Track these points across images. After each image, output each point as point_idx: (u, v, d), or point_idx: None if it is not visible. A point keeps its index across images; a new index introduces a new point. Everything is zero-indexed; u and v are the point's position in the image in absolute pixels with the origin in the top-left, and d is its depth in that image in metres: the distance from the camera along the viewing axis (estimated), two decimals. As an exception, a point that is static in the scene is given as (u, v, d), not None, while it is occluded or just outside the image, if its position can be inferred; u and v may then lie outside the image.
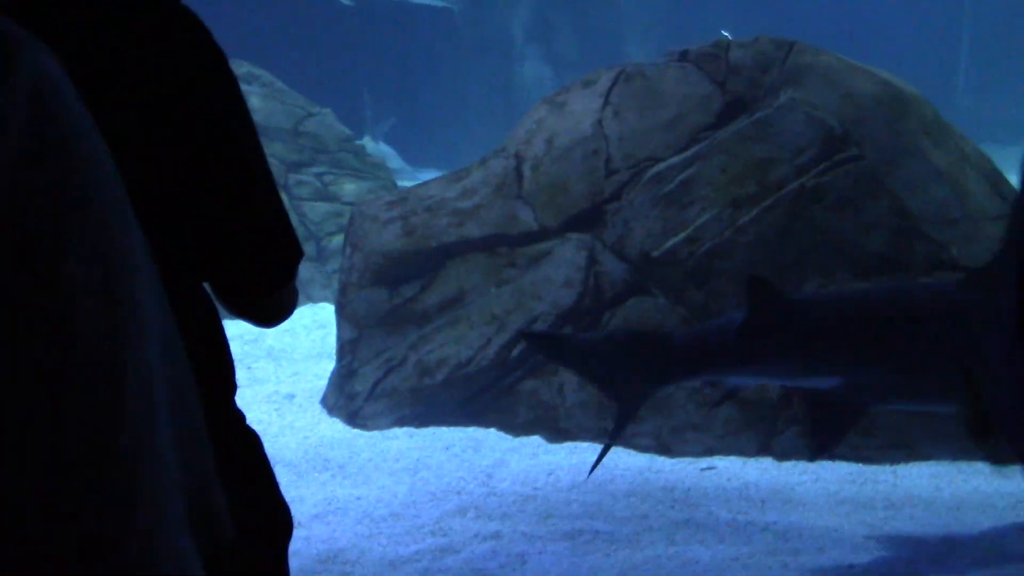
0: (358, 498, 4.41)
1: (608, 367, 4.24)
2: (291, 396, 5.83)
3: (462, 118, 15.40)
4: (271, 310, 1.45)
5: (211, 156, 1.32)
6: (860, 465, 4.87)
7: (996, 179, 5.44)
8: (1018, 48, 16.87)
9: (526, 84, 15.39)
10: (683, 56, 5.52)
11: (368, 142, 12.32)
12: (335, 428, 5.33)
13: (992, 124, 16.82)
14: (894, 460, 4.90)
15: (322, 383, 5.80)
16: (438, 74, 15.82)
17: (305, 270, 7.91)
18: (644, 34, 15.75)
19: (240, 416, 1.43)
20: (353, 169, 8.48)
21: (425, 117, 15.94)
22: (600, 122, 5.47)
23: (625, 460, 4.85)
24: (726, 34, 5.73)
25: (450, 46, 15.57)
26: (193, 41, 1.32)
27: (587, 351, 4.45)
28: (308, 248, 8.05)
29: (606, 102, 5.48)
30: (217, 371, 1.38)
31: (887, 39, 16.27)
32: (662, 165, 5.33)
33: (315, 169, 8.33)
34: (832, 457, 4.94)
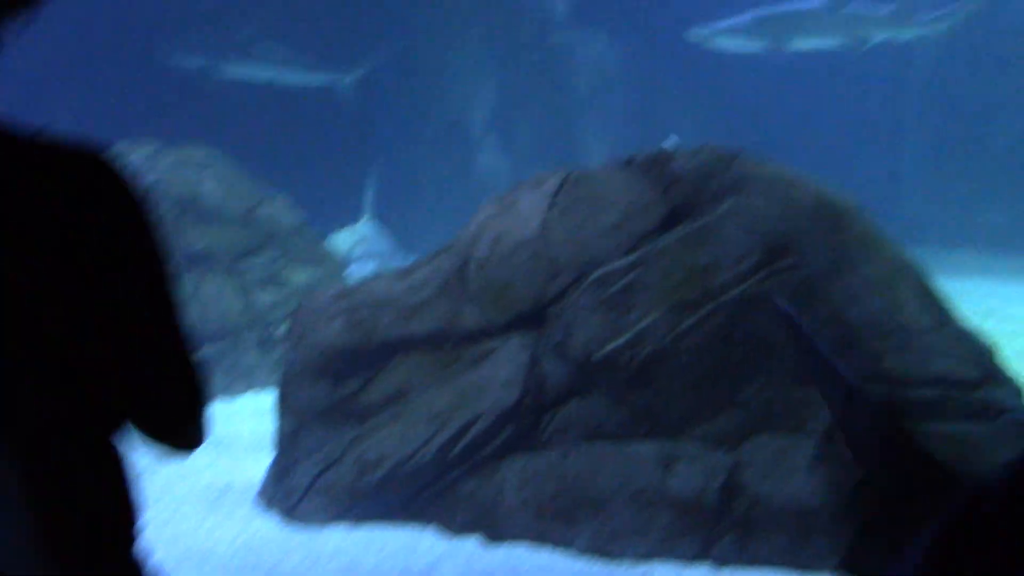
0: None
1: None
2: (228, 488, 5.74)
3: (419, 207, 15.53)
4: (176, 446, 1.46)
5: (109, 305, 1.34)
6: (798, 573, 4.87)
7: (927, 292, 5.58)
8: (958, 154, 17.43)
9: (483, 175, 15.58)
10: (629, 162, 5.65)
11: (364, 223, 12.41)
12: (270, 525, 5.25)
13: (935, 227, 17.30)
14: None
15: (260, 475, 5.73)
16: (396, 162, 15.99)
17: (250, 357, 7.87)
18: (601, 128, 16.08)
19: (136, 570, 1.42)
20: (304, 256, 8.50)
21: (381, 204, 16.06)
22: (546, 224, 5.56)
23: (562, 563, 4.82)
24: (672, 141, 5.88)
25: (409, 135, 15.79)
26: (99, 189, 1.34)
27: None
28: (255, 335, 8.02)
29: (552, 204, 5.58)
30: (113, 525, 1.38)
31: (834, 147, 16.77)
32: (606, 268, 5.41)
33: (265, 255, 8.34)
34: (769, 562, 4.95)
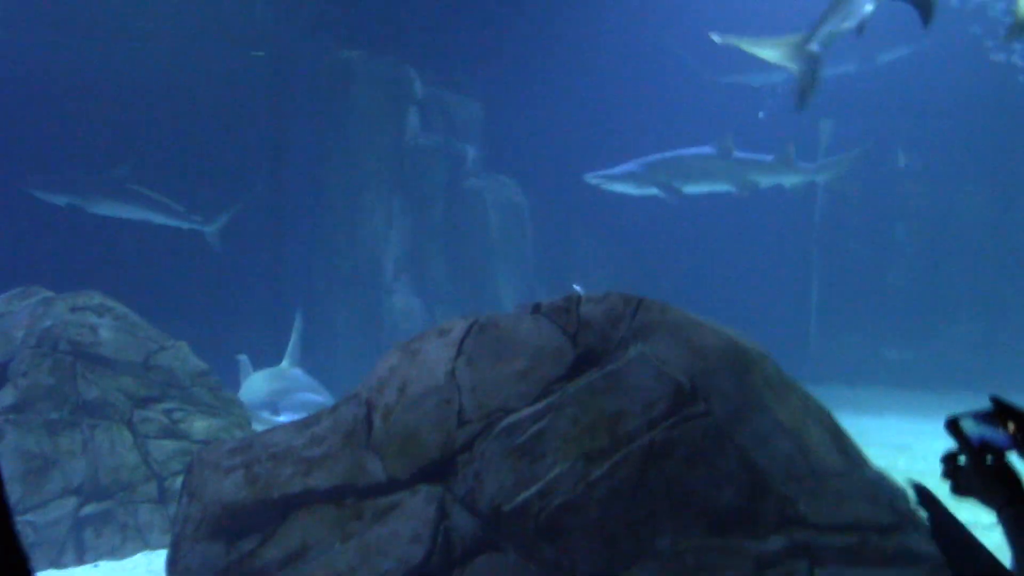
0: None
1: None
2: (112, 661, 5.32)
3: (330, 349, 15.30)
4: None
5: None
6: None
7: (837, 433, 5.56)
8: (861, 294, 17.95)
9: (395, 317, 15.47)
10: (536, 309, 5.60)
11: (287, 366, 12.06)
12: None
13: (842, 365, 17.63)
14: None
15: (149, 646, 5.33)
16: (307, 304, 15.81)
17: (145, 512, 7.46)
18: (512, 270, 16.20)
19: None
20: (206, 406, 8.19)
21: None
22: (453, 371, 5.43)
23: None
24: (578, 288, 5.87)
25: (322, 275, 15.69)
26: None
27: None
28: (150, 489, 7.62)
29: (459, 351, 5.47)
30: None
31: (742, 289, 17.15)
32: (514, 417, 5.29)
33: (164, 405, 8.02)
34: None
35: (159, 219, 14.06)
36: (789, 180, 14.73)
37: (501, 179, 16.33)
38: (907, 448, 11.88)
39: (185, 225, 14.26)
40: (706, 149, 14.49)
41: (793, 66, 9.47)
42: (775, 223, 17.63)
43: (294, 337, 12.31)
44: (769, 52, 9.89)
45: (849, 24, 8.73)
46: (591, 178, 14.27)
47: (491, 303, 15.60)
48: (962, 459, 2.27)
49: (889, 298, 17.96)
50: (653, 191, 14.38)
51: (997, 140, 16.71)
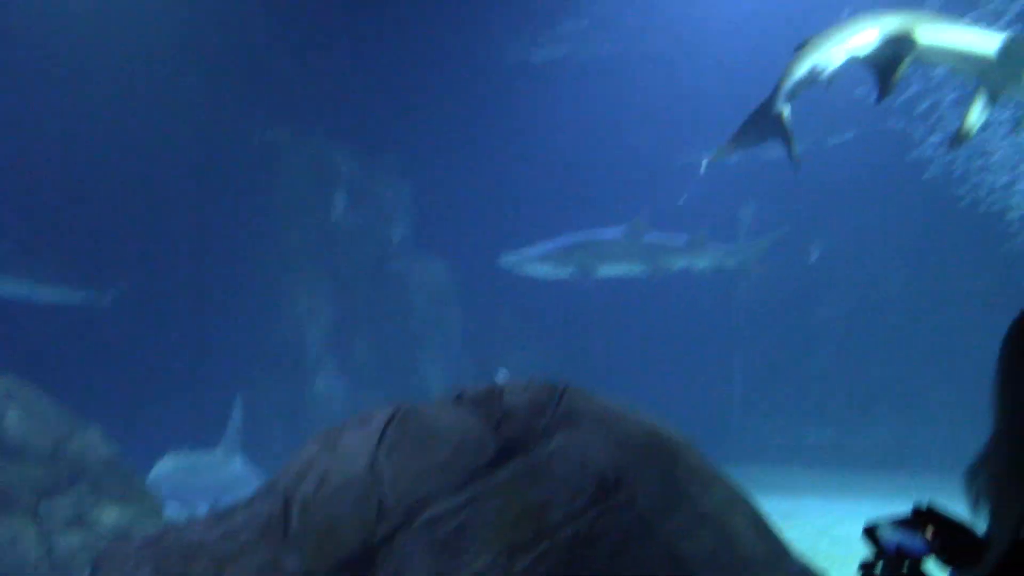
0: None
1: None
2: None
3: (251, 429, 14.95)
4: None
5: None
6: None
7: (761, 523, 5.55)
8: (783, 375, 18.20)
9: (319, 399, 15.22)
10: (459, 397, 5.53)
11: (222, 453, 11.70)
12: None
13: (765, 445, 17.78)
14: None
15: None
16: (230, 385, 15.49)
17: (49, 611, 7.12)
18: (439, 350, 16.11)
19: None
20: (116, 494, 7.89)
21: (213, 434, 15.41)
22: (374, 462, 5.31)
23: None
24: (503, 374, 5.81)
25: (245, 357, 15.39)
26: None
27: None
28: (56, 584, 7.28)
29: (380, 441, 5.35)
30: None
31: (667, 371, 17.27)
32: (436, 509, 5.16)
33: (73, 494, 7.71)
34: None
35: (46, 296, 13.73)
36: (701, 263, 15.03)
37: (428, 259, 16.33)
38: (828, 531, 11.94)
39: (73, 300, 13.93)
40: (619, 231, 14.72)
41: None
42: (699, 305, 17.86)
43: (231, 423, 12.02)
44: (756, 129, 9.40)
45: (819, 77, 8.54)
46: (507, 259, 14.38)
47: (418, 386, 15.46)
48: (879, 567, 2.25)
49: (810, 380, 18.24)
50: (568, 272, 14.54)
51: (914, 227, 17.22)
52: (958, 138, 8.76)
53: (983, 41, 8.18)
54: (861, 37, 8.25)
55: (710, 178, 17.54)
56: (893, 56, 8.18)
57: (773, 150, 9.70)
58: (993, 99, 8.37)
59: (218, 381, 15.58)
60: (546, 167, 16.62)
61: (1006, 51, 8.02)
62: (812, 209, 18.01)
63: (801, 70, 8.36)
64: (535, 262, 14.44)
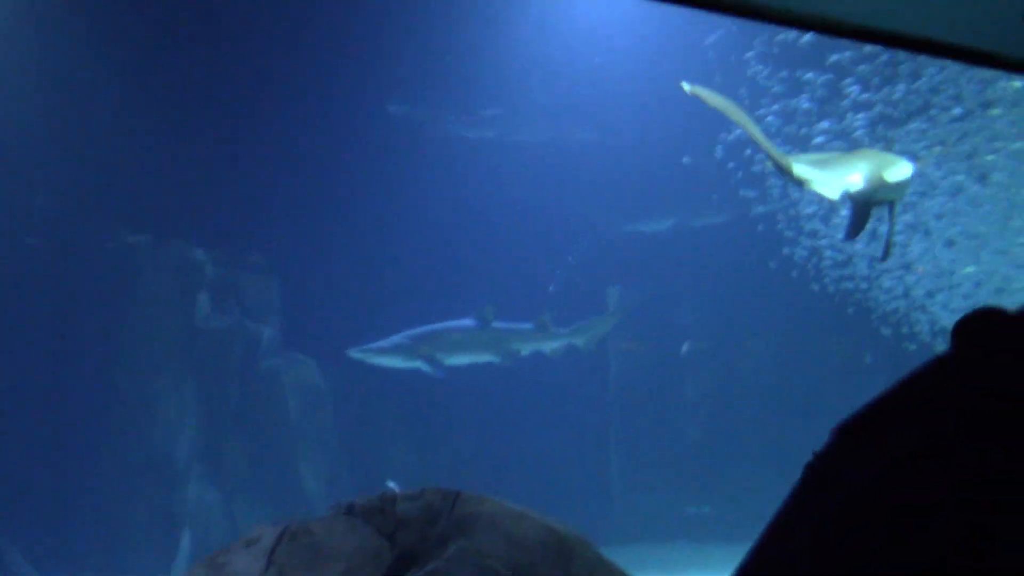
0: None
1: None
2: None
3: (121, 542, 14.25)
4: None
5: None
6: None
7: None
8: (657, 451, 18.47)
9: (191, 509, 14.63)
10: (350, 510, 5.41)
11: None
12: None
13: (646, 523, 17.92)
14: None
15: None
16: (96, 495, 14.79)
17: None
18: (314, 451, 15.75)
19: None
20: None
21: (78, 547, 14.64)
22: (264, 584, 5.11)
23: None
24: (393, 485, 5.73)
25: (110, 470, 14.70)
26: None
27: None
28: None
29: (270, 562, 5.16)
30: None
31: (544, 455, 17.32)
32: (332, 628, 5.00)
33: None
34: None
35: None
36: (548, 345, 15.33)
37: (299, 358, 16.03)
38: (716, 607, 12.05)
39: None
40: (467, 320, 14.91)
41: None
42: (572, 386, 18.04)
43: None
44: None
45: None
46: (355, 352, 14.37)
47: (294, 489, 15.05)
48: None
49: (685, 455, 18.54)
50: (417, 363, 14.60)
51: (776, 300, 17.89)
52: (886, 252, 9.39)
53: (901, 170, 8.80)
54: (859, 176, 8.65)
55: (578, 263, 17.98)
56: (872, 198, 8.71)
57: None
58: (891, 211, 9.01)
59: (84, 496, 14.85)
60: (417, 260, 16.66)
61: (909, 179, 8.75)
62: (676, 286, 18.55)
63: (804, 177, 8.68)
64: (384, 354, 14.45)
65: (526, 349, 15.12)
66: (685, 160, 16.42)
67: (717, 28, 15.37)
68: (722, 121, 16.20)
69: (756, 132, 8.78)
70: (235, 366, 15.59)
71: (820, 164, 8.81)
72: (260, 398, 15.55)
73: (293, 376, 15.86)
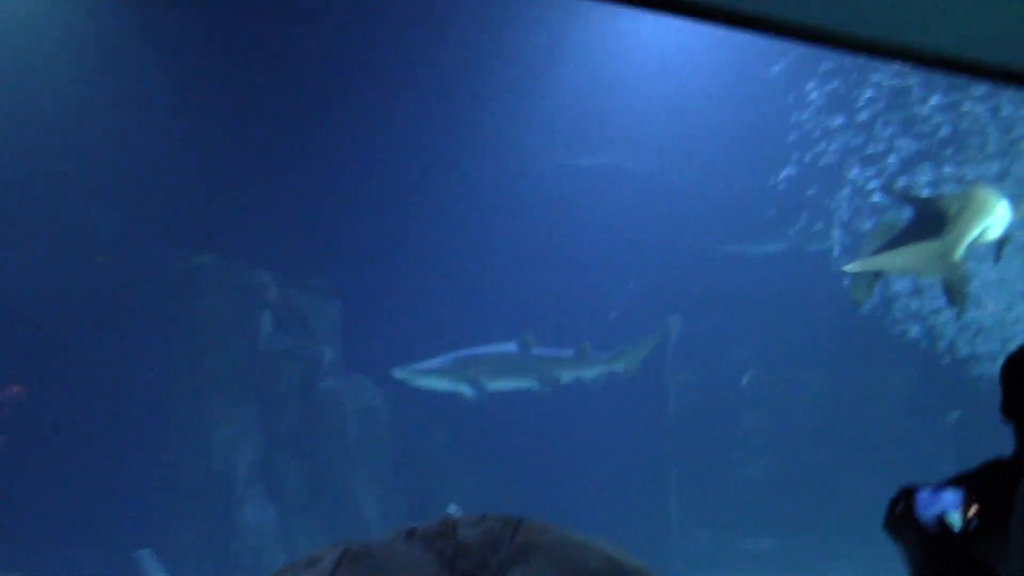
0: None
1: None
2: None
3: (175, 566, 14.37)
4: None
5: None
6: None
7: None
8: (718, 484, 18.23)
9: (247, 530, 14.72)
10: (411, 534, 5.35)
11: None
12: None
13: (706, 557, 17.65)
14: None
15: None
16: (150, 516, 14.95)
17: None
18: (371, 473, 15.76)
19: None
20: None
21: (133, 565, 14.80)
22: (324, 606, 5.08)
23: None
24: (454, 509, 5.69)
25: (167, 492, 14.85)
26: None
27: None
28: None
29: (331, 584, 5.14)
30: None
31: (603, 488, 17.16)
32: (391, 653, 4.95)
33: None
34: None
35: None
36: (588, 372, 15.21)
37: (359, 379, 16.10)
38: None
39: None
40: (509, 345, 14.87)
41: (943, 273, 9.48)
42: (631, 419, 17.90)
43: None
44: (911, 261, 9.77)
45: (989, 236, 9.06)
46: (399, 372, 14.38)
47: (350, 511, 15.07)
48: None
49: (744, 488, 18.27)
50: (460, 386, 14.56)
51: (834, 333, 17.61)
52: (960, 307, 9.41)
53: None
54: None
55: (638, 292, 17.87)
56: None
57: None
58: None
59: (142, 516, 15.03)
60: (476, 282, 16.69)
61: None
62: (734, 317, 18.34)
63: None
64: (428, 375, 14.46)
65: (567, 375, 15.08)
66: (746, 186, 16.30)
67: (782, 57, 15.30)
68: (782, 152, 16.11)
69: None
70: (295, 387, 15.70)
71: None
72: (319, 420, 15.62)
73: (353, 398, 15.92)
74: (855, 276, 9.52)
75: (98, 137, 14.60)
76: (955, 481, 2.27)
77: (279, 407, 15.52)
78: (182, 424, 15.04)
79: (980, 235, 9.03)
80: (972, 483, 2.22)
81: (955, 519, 2.18)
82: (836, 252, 16.01)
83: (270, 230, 16.12)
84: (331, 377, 16.12)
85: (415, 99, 16.04)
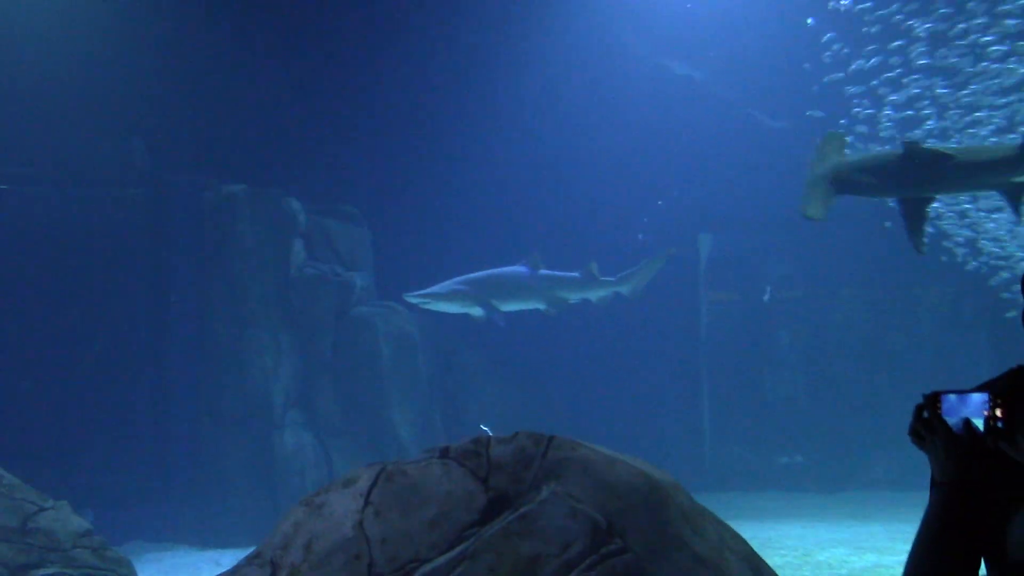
0: None
1: None
2: None
3: (220, 490, 14.71)
4: None
5: None
6: None
7: (754, 561, 5.52)
8: (749, 404, 18.28)
9: (287, 454, 15.00)
10: (444, 453, 5.46)
11: None
12: None
13: (738, 473, 17.80)
14: None
15: None
16: (195, 443, 15.25)
17: None
18: (406, 399, 15.95)
19: None
20: (90, 568, 7.69)
21: (180, 490, 15.16)
22: (361, 523, 5.21)
23: None
24: (486, 429, 5.76)
25: (207, 413, 15.15)
26: None
27: None
28: (31, 667, 7.06)
29: (367, 503, 5.26)
30: None
31: (637, 406, 17.24)
32: (427, 567, 5.08)
33: (44, 570, 7.50)
34: None
35: None
36: (595, 294, 15.18)
37: (391, 306, 16.21)
38: (810, 557, 11.96)
39: None
40: (517, 267, 14.84)
41: None
42: (663, 336, 17.92)
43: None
44: None
45: None
46: (411, 297, 14.43)
47: (386, 434, 15.30)
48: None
49: (776, 405, 18.34)
50: (470, 309, 14.60)
51: (868, 249, 17.44)
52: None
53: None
54: None
55: (666, 211, 17.74)
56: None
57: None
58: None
59: (183, 441, 15.35)
60: (506, 210, 16.65)
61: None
62: (767, 236, 18.20)
63: None
64: (440, 299, 14.51)
65: (574, 297, 15.07)
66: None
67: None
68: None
69: None
70: (329, 314, 15.85)
71: None
72: (353, 345, 15.80)
73: (386, 324, 16.05)
74: (809, 188, 9.45)
75: (127, 70, 14.59)
76: (982, 387, 2.28)
77: (314, 334, 15.69)
78: (219, 351, 15.26)
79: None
80: (998, 387, 2.23)
81: (980, 422, 2.20)
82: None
83: (299, 158, 16.13)
84: (363, 304, 16.24)
85: (441, 28, 15.86)
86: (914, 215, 9.15)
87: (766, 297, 18.15)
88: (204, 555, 13.96)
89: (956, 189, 9.94)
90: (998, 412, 2.17)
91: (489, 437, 5.51)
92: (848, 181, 9.41)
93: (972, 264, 15.48)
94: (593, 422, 15.48)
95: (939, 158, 8.75)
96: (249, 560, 5.39)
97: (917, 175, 8.90)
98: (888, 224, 15.72)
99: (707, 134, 16.80)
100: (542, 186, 16.79)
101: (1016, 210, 8.92)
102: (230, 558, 10.90)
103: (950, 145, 10.51)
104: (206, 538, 14.47)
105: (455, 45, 16.27)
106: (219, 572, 5.53)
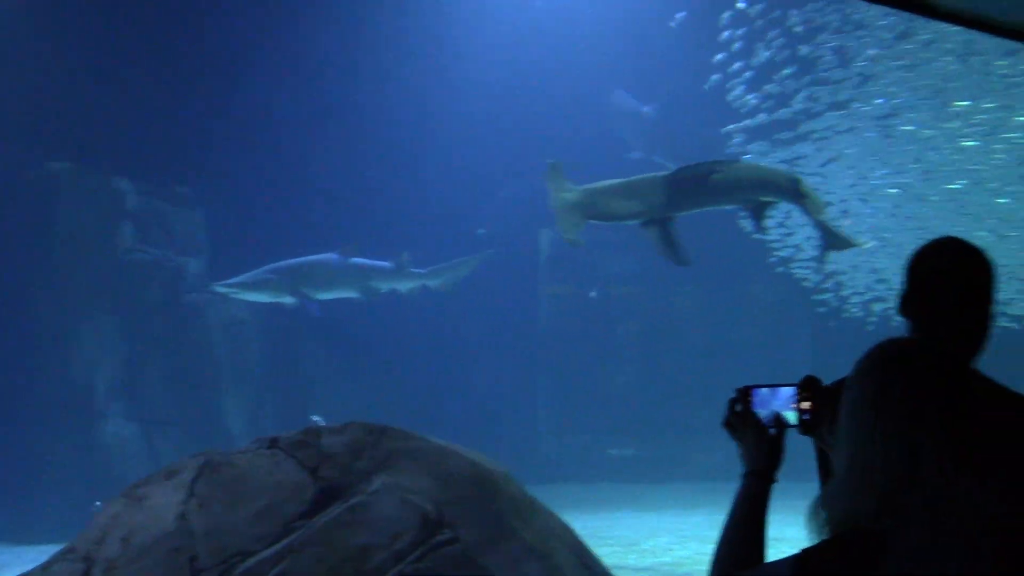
0: None
1: None
2: None
3: (37, 484, 13.99)
4: None
5: None
6: None
7: (582, 552, 5.63)
8: (583, 395, 18.66)
9: (109, 445, 14.38)
10: (273, 443, 5.34)
11: None
12: None
13: (571, 464, 18.15)
14: None
15: None
16: (10, 434, 14.45)
17: None
18: (239, 388, 15.56)
19: None
20: None
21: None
22: (184, 516, 5.04)
23: None
24: (317, 420, 5.67)
25: (25, 404, 14.36)
26: None
27: None
28: None
29: (191, 494, 5.09)
30: None
31: (473, 396, 17.34)
32: (253, 560, 4.96)
33: None
34: None
35: None
36: (404, 285, 15.36)
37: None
38: (636, 545, 12.30)
39: None
40: (330, 255, 14.83)
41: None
42: (502, 331, 18.08)
43: None
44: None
45: None
46: (219, 287, 14.19)
47: (217, 424, 14.89)
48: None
49: (610, 398, 18.78)
50: (280, 297, 14.49)
51: (706, 249, 18.01)
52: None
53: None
54: None
55: (506, 205, 17.89)
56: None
57: None
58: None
59: (2, 430, 14.53)
60: (344, 195, 16.43)
61: None
62: (612, 234, 18.58)
63: None
64: (245, 288, 14.31)
65: (384, 286, 15.13)
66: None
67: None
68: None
69: None
70: (159, 300, 15.28)
71: None
72: (184, 332, 15.29)
73: (218, 310, 15.60)
74: (560, 215, 10.17)
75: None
76: (835, 386, 2.36)
77: (142, 320, 15.10)
78: (42, 336, 14.49)
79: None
80: (806, 381, 2.34)
81: (790, 415, 2.30)
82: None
83: (129, 136, 15.45)
84: (196, 290, 15.75)
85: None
86: (662, 235, 10.09)
87: (593, 294, 18.53)
88: (15, 551, 13.25)
89: (711, 206, 11.03)
90: (804, 405, 2.28)
91: (320, 427, 5.43)
92: (596, 207, 10.17)
93: (795, 269, 16.23)
94: (435, 413, 15.49)
95: (699, 181, 9.72)
96: (63, 555, 5.14)
97: (676, 197, 9.81)
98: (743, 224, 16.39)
99: (548, 129, 17.04)
100: (388, 175, 16.66)
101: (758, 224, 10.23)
102: (45, 556, 10.33)
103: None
104: (19, 535, 13.73)
105: (288, 28, 15.98)
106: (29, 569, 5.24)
